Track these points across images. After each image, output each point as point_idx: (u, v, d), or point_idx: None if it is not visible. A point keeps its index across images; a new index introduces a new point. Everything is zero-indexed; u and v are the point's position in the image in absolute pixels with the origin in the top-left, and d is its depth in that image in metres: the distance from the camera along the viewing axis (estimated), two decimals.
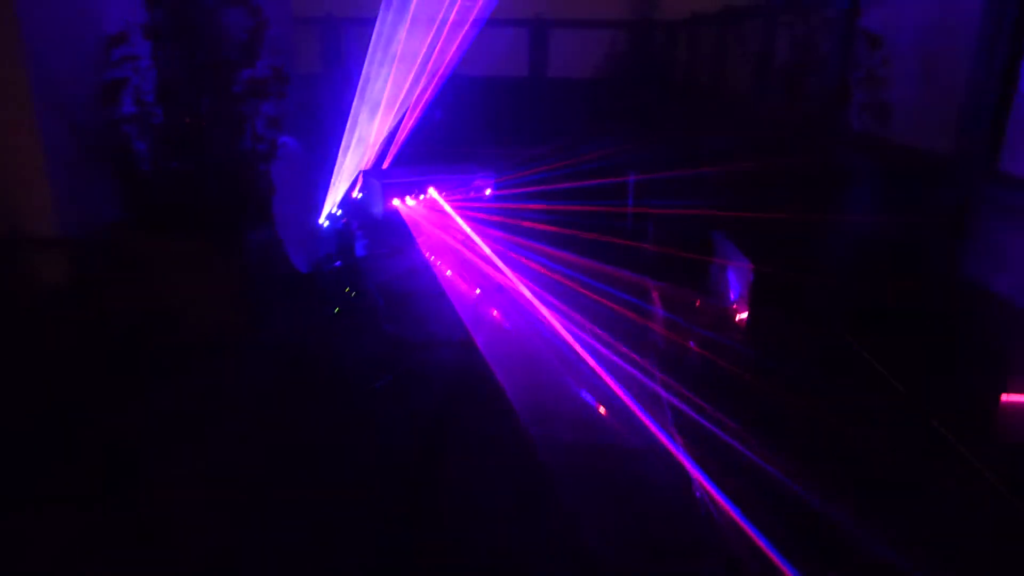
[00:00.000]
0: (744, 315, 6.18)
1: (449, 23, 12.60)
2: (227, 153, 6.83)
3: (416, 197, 10.98)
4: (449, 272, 8.69)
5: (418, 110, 12.44)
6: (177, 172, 6.69)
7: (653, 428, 4.70)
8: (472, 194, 11.82)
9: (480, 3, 12.61)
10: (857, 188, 6.55)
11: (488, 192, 11.94)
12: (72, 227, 6.36)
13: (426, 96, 12.62)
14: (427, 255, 9.26)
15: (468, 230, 9.55)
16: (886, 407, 5.13)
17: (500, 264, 8.46)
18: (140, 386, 5.23)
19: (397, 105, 11.58)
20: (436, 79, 12.77)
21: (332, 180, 9.88)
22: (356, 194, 11.40)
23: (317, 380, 5.70)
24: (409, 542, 3.62)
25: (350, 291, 8.11)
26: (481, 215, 10.57)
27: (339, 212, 9.86)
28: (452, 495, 4.11)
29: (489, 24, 13.43)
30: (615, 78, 14.65)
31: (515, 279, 7.92)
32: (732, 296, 6.48)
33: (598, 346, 6.02)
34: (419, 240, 9.70)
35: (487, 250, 8.90)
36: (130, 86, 6.60)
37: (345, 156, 10.10)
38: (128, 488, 3.92)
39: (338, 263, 8.67)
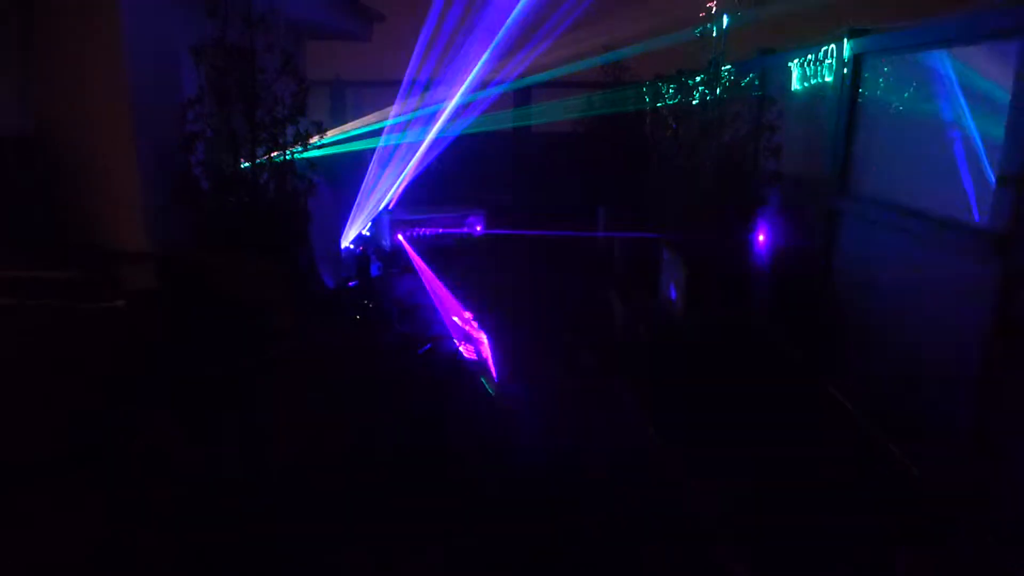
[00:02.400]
0: (681, 307, 8.04)
1: (441, 86, 14.62)
2: (277, 191, 8.67)
3: (419, 232, 12.86)
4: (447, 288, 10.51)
5: (418, 161, 14.37)
6: (236, 205, 8.50)
7: None
8: (465, 229, 13.74)
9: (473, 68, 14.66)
10: (766, 208, 8.54)
11: (479, 228, 13.84)
12: (156, 245, 8.11)
13: (426, 148, 14.57)
14: (430, 276, 11.09)
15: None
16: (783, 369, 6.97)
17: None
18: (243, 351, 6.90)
19: (401, 156, 13.51)
20: (432, 135, 14.74)
21: (352, 215, 11.74)
22: (366, 231, 13.24)
23: (354, 356, 7.48)
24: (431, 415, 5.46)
25: (367, 303, 9.89)
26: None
27: (357, 242, 11.69)
28: (452, 400, 6.02)
29: (481, 85, 15.50)
30: (589, 132, 16.73)
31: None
32: (672, 294, 8.33)
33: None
34: (422, 265, 11.54)
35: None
36: (202, 138, 8.44)
37: (363, 198, 11.99)
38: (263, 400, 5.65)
39: (355, 282, 10.48)
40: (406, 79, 14.00)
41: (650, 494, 5.10)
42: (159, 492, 4.29)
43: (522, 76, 16.44)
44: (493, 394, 6.90)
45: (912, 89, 6.14)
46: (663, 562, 4.32)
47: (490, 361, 7.63)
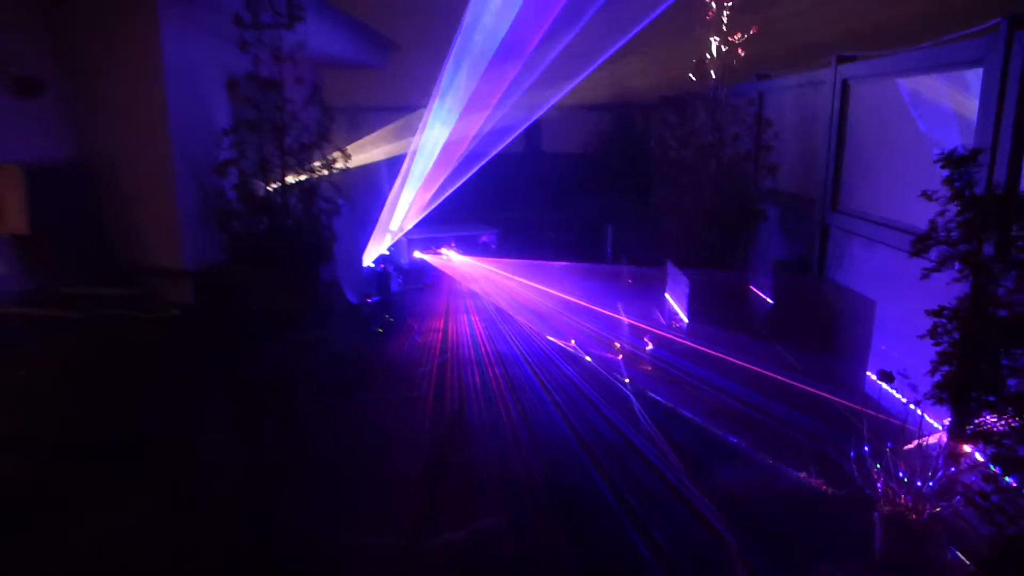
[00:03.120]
0: (685, 317, 8.52)
1: (453, 109, 15.20)
2: (305, 213, 9.25)
3: (435, 251, 13.42)
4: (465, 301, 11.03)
5: (435, 182, 14.94)
6: (266, 226, 9.07)
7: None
8: (478, 247, 14.29)
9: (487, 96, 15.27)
10: (765, 223, 9.03)
11: (492, 247, 14.39)
12: (193, 263, 8.69)
13: (440, 170, 15.13)
14: (449, 291, 11.63)
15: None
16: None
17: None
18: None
19: (419, 178, 14.10)
20: (447, 157, 15.31)
21: (373, 235, 12.31)
22: (385, 250, 13.81)
23: (376, 362, 8.01)
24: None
25: (388, 317, 10.44)
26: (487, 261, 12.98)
27: (378, 260, 12.26)
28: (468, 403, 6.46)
29: (492, 108, 16.09)
30: (599, 151, 17.29)
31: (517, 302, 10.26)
32: (677, 302, 8.82)
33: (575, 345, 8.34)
34: (442, 280, 12.09)
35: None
36: (235, 164, 9.03)
37: (383, 218, 12.58)
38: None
39: (377, 298, 11.02)
40: (423, 106, 14.65)
41: None
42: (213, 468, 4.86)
43: (533, 98, 17.04)
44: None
45: (893, 111, 6.64)
46: None
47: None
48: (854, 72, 7.00)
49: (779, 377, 6.90)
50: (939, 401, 4.13)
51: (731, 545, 4.50)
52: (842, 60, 7.21)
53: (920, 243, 4.10)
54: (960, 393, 3.94)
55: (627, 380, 7.37)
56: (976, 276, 3.89)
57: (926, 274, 4.06)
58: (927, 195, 4.09)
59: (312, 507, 4.81)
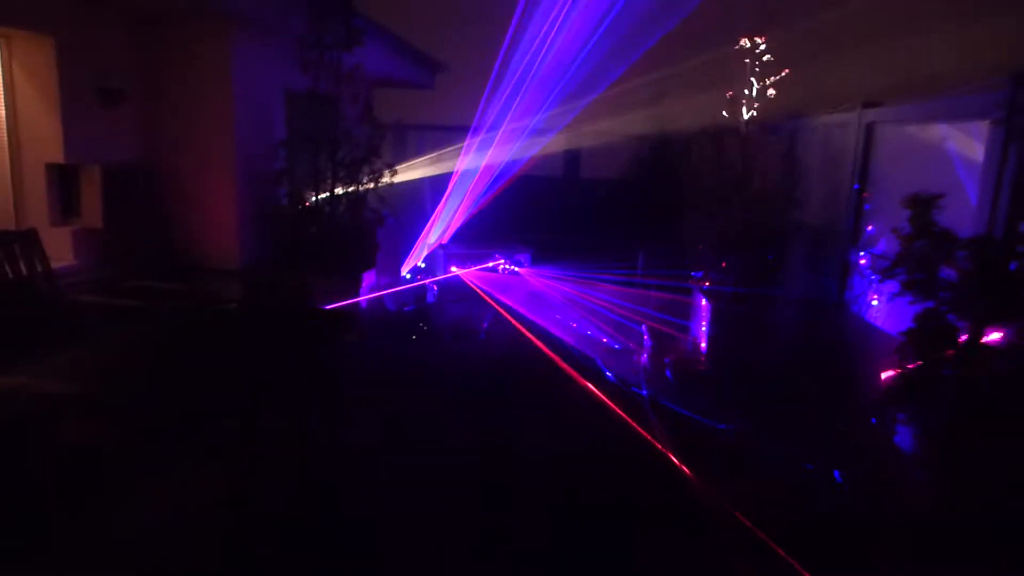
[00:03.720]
0: (705, 342, 8.88)
1: (495, 132, 15.81)
2: (351, 222, 9.84)
3: (471, 266, 13.94)
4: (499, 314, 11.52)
5: (474, 200, 15.52)
6: (316, 233, 9.68)
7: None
8: (512, 264, 14.78)
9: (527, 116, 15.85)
10: (793, 255, 9.38)
11: (525, 265, 14.88)
12: (246, 263, 9.32)
13: (479, 189, 15.71)
14: (480, 304, 12.12)
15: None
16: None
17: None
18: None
19: (459, 196, 14.68)
20: (486, 177, 15.90)
21: (413, 247, 12.90)
22: (421, 263, 14.38)
23: (409, 363, 8.51)
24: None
25: (423, 325, 10.94)
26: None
27: (415, 271, 12.81)
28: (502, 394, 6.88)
29: (533, 133, 16.69)
30: (635, 178, 17.70)
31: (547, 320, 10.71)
32: (703, 325, 9.19)
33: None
34: (474, 294, 12.59)
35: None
36: (290, 173, 9.68)
37: (427, 231, 13.19)
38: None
39: (412, 307, 11.56)
40: (466, 126, 15.28)
41: None
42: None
43: (573, 126, 17.58)
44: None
45: (914, 154, 7.00)
46: None
47: None
48: (878, 116, 7.37)
49: None
50: None
51: None
52: (867, 105, 7.58)
53: (887, 272, 4.62)
54: None
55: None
56: (925, 299, 4.43)
57: (893, 298, 4.57)
58: (896, 231, 4.58)
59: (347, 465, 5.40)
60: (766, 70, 9.26)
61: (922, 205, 4.37)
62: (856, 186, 7.66)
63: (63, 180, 8.05)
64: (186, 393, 5.62)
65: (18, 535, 4.27)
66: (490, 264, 14.27)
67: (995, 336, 4.27)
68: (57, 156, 7.83)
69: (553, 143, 18.28)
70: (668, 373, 8.54)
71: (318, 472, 5.58)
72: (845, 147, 8.10)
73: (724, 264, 9.43)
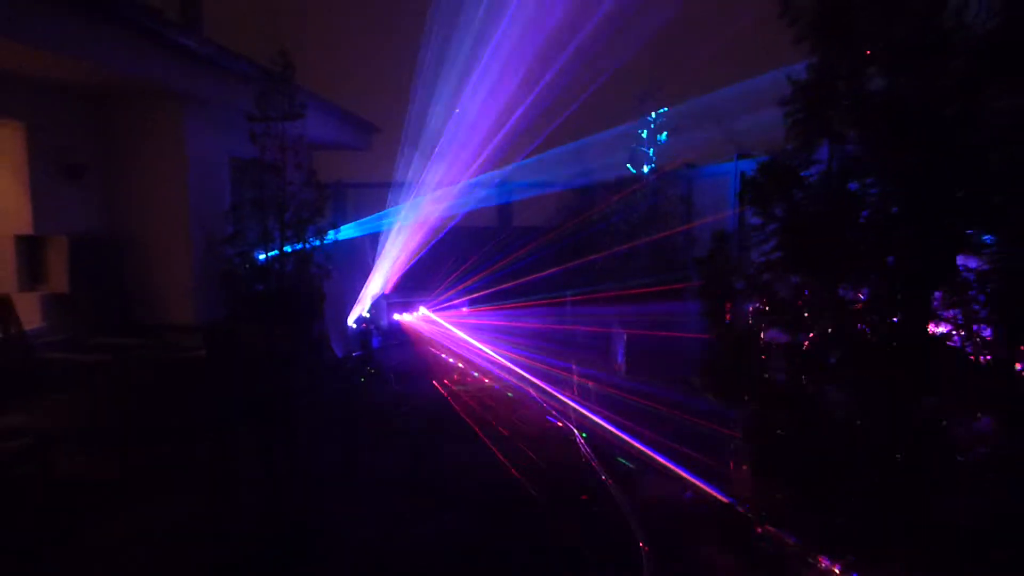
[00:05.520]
0: (624, 365, 10.04)
1: (428, 188, 16.97)
2: (299, 277, 10.74)
3: (411, 312, 14.90)
4: (436, 356, 12.48)
5: (413, 251, 16.55)
6: (266, 289, 10.53)
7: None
8: (450, 310, 15.79)
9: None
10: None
11: (465, 310, 15.91)
12: (201, 319, 10.09)
13: (418, 241, 16.76)
14: (422, 348, 13.07)
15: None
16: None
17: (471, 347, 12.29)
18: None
19: (398, 247, 15.70)
20: (424, 229, 16.98)
21: (357, 298, 13.80)
22: (366, 312, 15.26)
23: (362, 406, 9.37)
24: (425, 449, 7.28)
25: (370, 369, 11.81)
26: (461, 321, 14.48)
27: (360, 320, 13.70)
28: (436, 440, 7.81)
29: (465, 187, 17.92)
30: (562, 226, 19.04)
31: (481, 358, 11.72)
32: (619, 357, 10.35)
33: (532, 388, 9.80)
34: (415, 339, 13.54)
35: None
36: (241, 236, 10.55)
37: (366, 283, 14.12)
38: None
39: (359, 352, 12.42)
40: (403, 183, 16.41)
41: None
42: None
43: (502, 177, 18.88)
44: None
45: None
46: None
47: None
48: (748, 166, 8.76)
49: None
50: None
51: None
52: (741, 156, 8.99)
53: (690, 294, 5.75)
54: None
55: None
56: None
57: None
58: (698, 259, 5.60)
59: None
60: (661, 128, 10.72)
61: (719, 239, 5.44)
62: (736, 224, 9.01)
63: (31, 249, 8.78)
64: (163, 427, 6.40)
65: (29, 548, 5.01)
66: (429, 310, 15.25)
67: None
68: (26, 228, 8.58)
69: (486, 196, 19.50)
70: (589, 388, 9.69)
71: (283, 494, 6.41)
72: (727, 192, 9.49)
73: (634, 300, 10.69)
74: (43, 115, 8.68)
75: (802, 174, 3.51)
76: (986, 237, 3.07)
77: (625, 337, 9.93)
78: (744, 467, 4.08)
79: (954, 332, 3.11)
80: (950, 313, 3.11)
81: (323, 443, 7.90)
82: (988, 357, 3.01)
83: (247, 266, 10.61)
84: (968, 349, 3.04)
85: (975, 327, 3.06)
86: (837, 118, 3.34)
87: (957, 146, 3.03)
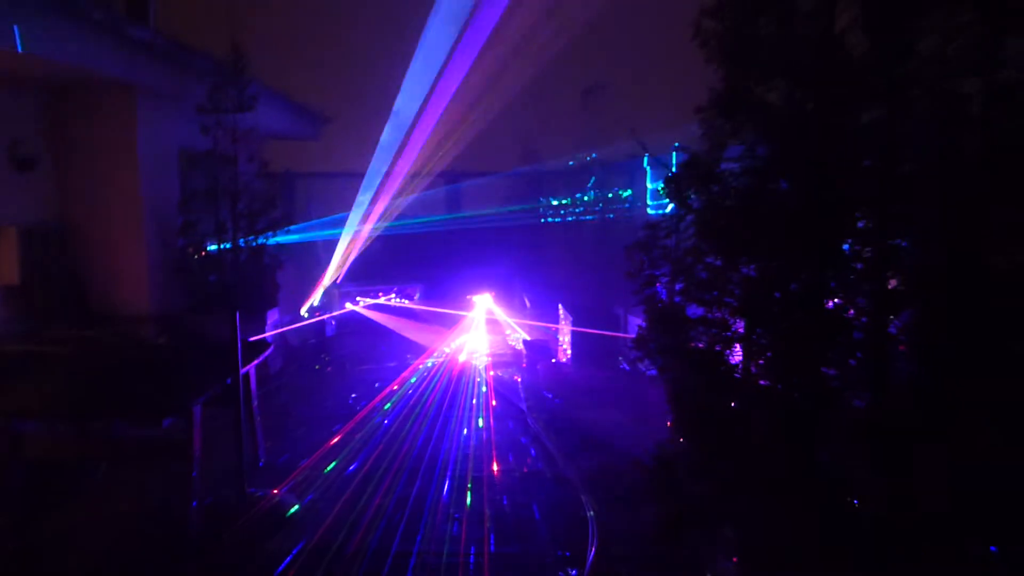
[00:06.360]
0: (568, 351, 10.58)
1: (384, 175, 17.15)
2: (253, 267, 10.94)
3: (365, 301, 15.19)
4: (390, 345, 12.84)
5: (365, 243, 16.76)
6: (220, 279, 10.70)
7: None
8: (403, 299, 16.12)
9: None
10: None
11: (416, 296, 16.26)
12: (157, 310, 10.22)
13: (368, 231, 16.98)
14: (376, 334, 13.40)
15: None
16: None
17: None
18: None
19: (352, 237, 15.92)
20: (375, 218, 17.19)
21: (312, 287, 14.04)
22: (318, 301, 15.47)
23: (321, 388, 9.70)
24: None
25: (324, 357, 12.11)
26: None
27: (313, 310, 13.94)
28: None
29: (417, 176, 18.16)
30: (510, 215, 19.46)
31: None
32: (563, 343, 10.89)
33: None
34: (370, 326, 13.86)
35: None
36: (194, 226, 10.68)
37: (321, 273, 14.37)
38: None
39: (314, 340, 12.69)
40: (354, 173, 16.60)
41: None
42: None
43: (453, 178, 19.24)
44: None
45: None
46: None
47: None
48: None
49: None
50: None
51: None
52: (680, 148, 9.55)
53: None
54: None
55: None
56: None
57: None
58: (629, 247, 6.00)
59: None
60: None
61: (651, 227, 5.87)
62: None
63: None
64: (130, 410, 6.61)
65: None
66: (382, 299, 15.56)
67: None
68: None
69: (435, 187, 19.77)
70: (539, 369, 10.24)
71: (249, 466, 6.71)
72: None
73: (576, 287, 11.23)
74: None
75: (716, 171, 4.02)
76: (860, 224, 3.66)
77: (572, 323, 10.47)
78: (668, 424, 4.61)
79: (839, 301, 3.70)
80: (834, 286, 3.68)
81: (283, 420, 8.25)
82: (864, 320, 3.59)
83: (198, 256, 10.76)
84: (851, 314, 3.62)
85: (857, 299, 3.64)
86: (745, 125, 3.85)
87: (842, 152, 3.59)
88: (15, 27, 7.49)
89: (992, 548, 3.20)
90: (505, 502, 6.60)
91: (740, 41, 3.66)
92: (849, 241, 3.74)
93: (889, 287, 3.53)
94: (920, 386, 3.28)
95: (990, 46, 2.92)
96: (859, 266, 3.63)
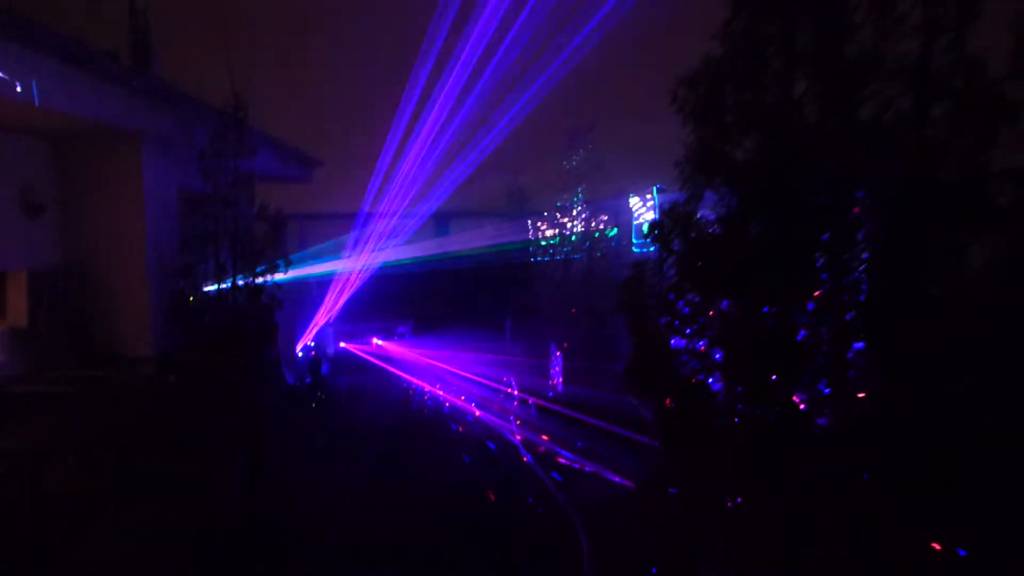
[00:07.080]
0: (559, 384, 10.99)
1: (374, 217, 17.63)
2: (251, 307, 11.27)
3: (359, 340, 15.54)
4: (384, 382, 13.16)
5: (357, 282, 17.16)
6: (220, 319, 11.01)
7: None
8: (395, 336, 16.49)
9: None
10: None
11: (407, 336, 16.63)
12: (159, 350, 10.51)
13: (361, 272, 17.39)
14: (369, 372, 13.72)
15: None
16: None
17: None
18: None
19: (345, 278, 16.32)
20: (368, 258, 17.62)
21: (307, 327, 14.37)
22: (314, 341, 15.78)
23: (314, 429, 10.00)
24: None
25: (320, 395, 12.41)
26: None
27: (308, 348, 14.26)
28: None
29: (408, 216, 18.66)
30: (499, 254, 19.97)
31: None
32: (554, 375, 11.28)
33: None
34: (364, 364, 14.18)
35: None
36: (195, 268, 11.03)
37: (316, 312, 14.71)
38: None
39: (310, 379, 12.99)
40: (348, 214, 17.05)
41: None
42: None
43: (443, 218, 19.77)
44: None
45: None
46: None
47: None
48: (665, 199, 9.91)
49: None
50: None
51: None
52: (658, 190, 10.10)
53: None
54: None
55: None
56: None
57: None
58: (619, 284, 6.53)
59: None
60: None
61: (637, 266, 6.39)
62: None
63: None
64: (138, 447, 6.92)
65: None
66: (376, 337, 15.92)
67: None
68: None
69: (425, 228, 20.23)
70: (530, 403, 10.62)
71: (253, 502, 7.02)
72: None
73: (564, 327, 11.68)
74: (4, 156, 9.08)
75: (694, 219, 4.53)
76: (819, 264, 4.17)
77: (561, 358, 10.89)
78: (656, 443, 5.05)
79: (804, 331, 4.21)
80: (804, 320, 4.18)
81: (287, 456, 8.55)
82: (825, 349, 4.11)
83: (194, 298, 11.07)
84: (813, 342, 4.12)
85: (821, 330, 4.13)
86: (717, 177, 4.38)
87: (800, 199, 4.11)
88: (33, 83, 7.94)
89: None
90: None
91: (709, 107, 4.20)
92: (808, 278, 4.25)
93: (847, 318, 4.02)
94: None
95: (919, 111, 3.47)
96: (810, 306, 4.15)
